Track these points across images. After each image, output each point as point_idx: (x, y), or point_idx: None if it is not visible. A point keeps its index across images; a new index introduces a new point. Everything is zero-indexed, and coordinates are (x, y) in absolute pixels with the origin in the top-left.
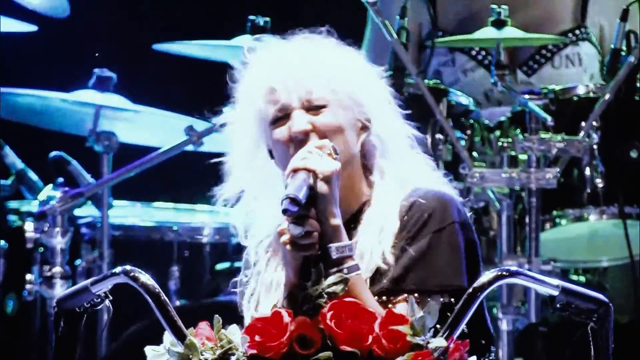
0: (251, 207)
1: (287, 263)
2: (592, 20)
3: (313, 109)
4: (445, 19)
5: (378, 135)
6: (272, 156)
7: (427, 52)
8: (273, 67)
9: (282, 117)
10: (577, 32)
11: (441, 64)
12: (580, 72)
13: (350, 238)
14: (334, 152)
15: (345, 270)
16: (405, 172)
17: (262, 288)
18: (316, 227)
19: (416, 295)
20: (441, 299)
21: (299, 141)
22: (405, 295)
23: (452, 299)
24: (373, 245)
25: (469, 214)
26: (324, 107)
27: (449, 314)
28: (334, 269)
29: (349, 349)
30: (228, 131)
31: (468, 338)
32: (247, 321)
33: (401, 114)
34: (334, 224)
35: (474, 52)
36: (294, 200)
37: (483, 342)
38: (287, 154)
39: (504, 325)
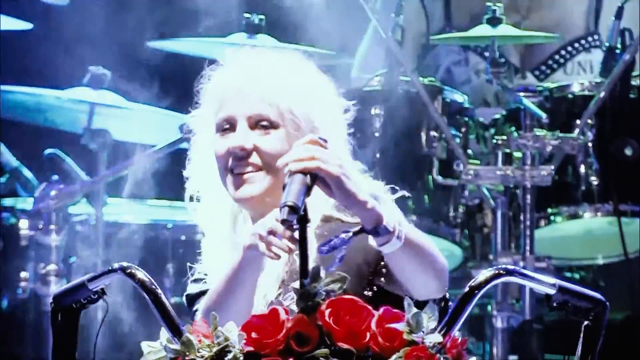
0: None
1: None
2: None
3: (260, 127)
4: (459, 17)
5: None
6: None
7: (436, 50)
8: (231, 76)
9: (228, 127)
10: (590, 39)
11: (453, 62)
12: (591, 79)
13: None
14: (324, 142)
15: (398, 234)
16: None
17: None
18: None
19: None
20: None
21: (237, 157)
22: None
23: None
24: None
25: (461, 211)
26: (272, 127)
27: None
28: (390, 238)
29: (346, 346)
30: (192, 130)
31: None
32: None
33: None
34: (370, 208)
35: (486, 53)
36: (292, 209)
37: None
38: (223, 164)
39: (498, 323)
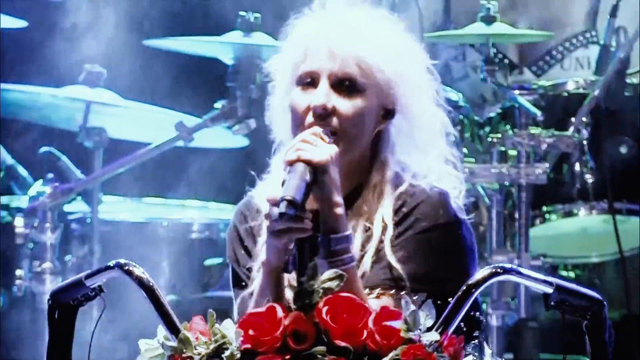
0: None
1: (270, 245)
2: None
3: (342, 88)
4: (458, 13)
5: (396, 129)
6: None
7: (434, 45)
8: (320, 28)
9: (309, 82)
10: (587, 35)
11: (451, 57)
12: (588, 76)
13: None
14: (327, 137)
15: (339, 262)
16: (407, 168)
17: None
18: (307, 216)
19: (403, 293)
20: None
21: (317, 115)
22: (393, 291)
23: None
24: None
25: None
26: (356, 91)
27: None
28: (331, 260)
29: (343, 343)
30: (271, 73)
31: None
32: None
33: (438, 107)
34: (336, 213)
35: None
36: (291, 203)
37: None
38: (299, 120)
39: (493, 321)
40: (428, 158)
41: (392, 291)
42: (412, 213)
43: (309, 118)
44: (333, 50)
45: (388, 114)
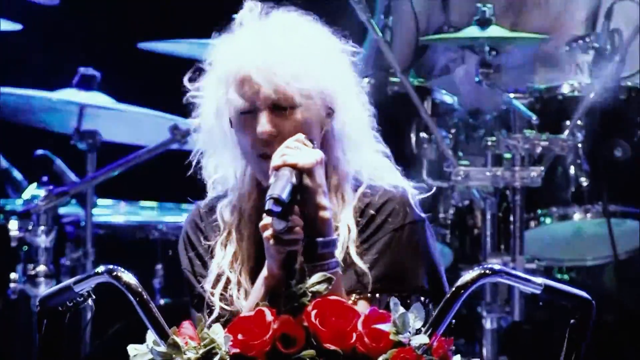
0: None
1: (271, 257)
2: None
3: (280, 109)
4: (456, 16)
5: (339, 126)
6: (232, 125)
7: (433, 47)
8: (246, 56)
9: (249, 110)
10: (587, 39)
11: (450, 60)
12: (584, 79)
13: None
14: (310, 142)
15: (325, 267)
16: (362, 168)
17: (244, 258)
18: (299, 222)
19: (377, 295)
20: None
21: (263, 141)
22: (368, 294)
23: (410, 299)
24: None
25: (451, 212)
26: (290, 108)
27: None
28: (316, 264)
29: (332, 347)
30: (200, 90)
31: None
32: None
33: (366, 103)
34: (323, 217)
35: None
36: (277, 201)
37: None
38: (249, 147)
39: (488, 324)
40: (374, 156)
41: (368, 295)
42: (379, 213)
43: (257, 145)
44: (268, 79)
45: (331, 111)
